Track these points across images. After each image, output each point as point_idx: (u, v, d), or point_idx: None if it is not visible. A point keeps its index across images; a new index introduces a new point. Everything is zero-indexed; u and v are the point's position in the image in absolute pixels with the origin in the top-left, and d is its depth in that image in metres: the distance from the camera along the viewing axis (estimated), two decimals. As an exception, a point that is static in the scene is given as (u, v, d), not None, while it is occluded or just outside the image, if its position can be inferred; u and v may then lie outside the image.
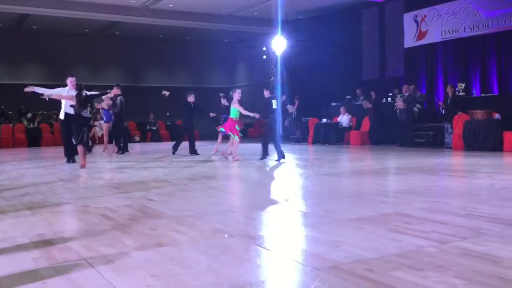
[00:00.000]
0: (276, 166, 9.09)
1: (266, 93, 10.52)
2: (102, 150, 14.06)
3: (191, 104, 12.12)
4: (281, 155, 9.88)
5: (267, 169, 8.70)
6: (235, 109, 10.17)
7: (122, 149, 13.19)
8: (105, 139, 14.18)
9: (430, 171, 7.93)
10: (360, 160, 10.69)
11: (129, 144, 14.13)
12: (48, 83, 19.31)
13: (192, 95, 12.18)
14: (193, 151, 12.06)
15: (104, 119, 14.11)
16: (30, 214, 4.73)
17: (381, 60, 17.06)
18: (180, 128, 13.97)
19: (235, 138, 10.15)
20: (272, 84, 12.37)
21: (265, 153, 10.14)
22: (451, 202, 4.95)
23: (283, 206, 5.16)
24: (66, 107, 9.75)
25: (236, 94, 10.30)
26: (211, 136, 22.40)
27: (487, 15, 13.76)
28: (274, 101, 10.20)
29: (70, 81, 9.78)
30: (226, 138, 11.25)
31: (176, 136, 13.57)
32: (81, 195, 5.89)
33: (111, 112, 13.49)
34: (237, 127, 10.23)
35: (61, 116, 10.00)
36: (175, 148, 12.33)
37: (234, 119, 10.21)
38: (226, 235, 3.63)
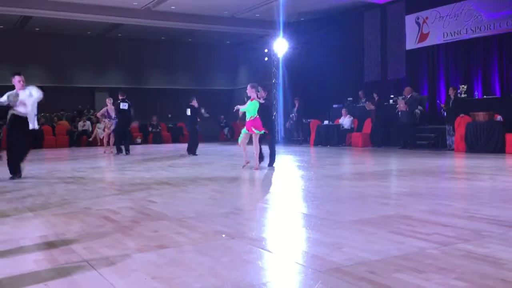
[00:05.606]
0: (277, 168, 9.08)
1: (194, 103, 12.56)
2: (103, 152, 14.15)
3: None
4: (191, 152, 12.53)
5: (268, 171, 8.69)
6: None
7: (126, 151, 13.56)
8: (111, 141, 14.41)
9: (432, 173, 7.92)
10: (361, 162, 10.68)
11: (123, 147, 14.30)
12: (50, 85, 19.51)
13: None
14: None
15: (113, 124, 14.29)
16: (32, 216, 4.74)
17: (383, 62, 17.06)
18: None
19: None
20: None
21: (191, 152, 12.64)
22: (453, 204, 4.94)
23: (285, 208, 5.15)
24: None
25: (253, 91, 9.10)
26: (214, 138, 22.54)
27: (489, 17, 13.75)
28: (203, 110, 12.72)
29: (17, 80, 7.80)
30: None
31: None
32: (83, 197, 5.89)
33: (113, 116, 14.01)
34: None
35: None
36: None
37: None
38: (223, 235, 3.64)
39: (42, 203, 5.47)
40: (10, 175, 7.86)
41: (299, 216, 4.67)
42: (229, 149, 15.84)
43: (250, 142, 8.99)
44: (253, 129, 8.64)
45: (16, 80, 7.77)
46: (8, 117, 7.86)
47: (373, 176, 7.76)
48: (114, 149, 14.05)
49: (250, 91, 8.85)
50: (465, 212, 4.45)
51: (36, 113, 7.92)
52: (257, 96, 8.89)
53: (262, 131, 8.76)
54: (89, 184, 7.19)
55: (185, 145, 13.62)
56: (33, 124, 7.84)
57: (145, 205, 5.24)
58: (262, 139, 8.91)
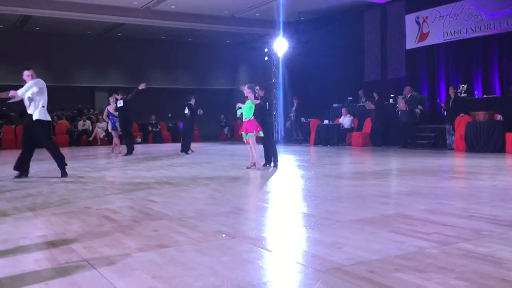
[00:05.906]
0: (277, 168, 9.08)
1: (193, 102, 13.23)
2: (111, 152, 14.17)
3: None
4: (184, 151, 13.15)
5: (269, 171, 8.69)
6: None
7: (129, 150, 13.57)
8: (117, 141, 14.44)
9: (432, 173, 7.92)
10: (361, 162, 10.68)
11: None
12: (50, 85, 19.46)
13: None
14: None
15: (111, 126, 14.37)
16: (32, 215, 4.74)
17: (383, 62, 17.06)
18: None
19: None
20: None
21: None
22: (453, 204, 4.95)
23: (285, 207, 5.16)
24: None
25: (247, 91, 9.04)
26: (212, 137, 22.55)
27: (489, 16, 13.75)
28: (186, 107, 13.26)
29: (26, 74, 7.85)
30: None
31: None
32: (83, 196, 5.90)
33: (116, 114, 14.03)
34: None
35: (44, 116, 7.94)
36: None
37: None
38: (223, 235, 3.67)
39: (42, 203, 5.47)
40: (16, 173, 7.96)
41: (299, 215, 4.67)
42: (229, 148, 15.85)
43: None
44: (247, 130, 8.70)
45: (25, 75, 7.88)
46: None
47: (373, 175, 7.77)
48: (124, 148, 14.02)
49: (247, 91, 8.88)
50: (465, 212, 4.45)
51: (43, 104, 7.79)
52: (254, 97, 8.87)
53: (260, 133, 8.73)
54: (89, 184, 7.19)
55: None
56: (37, 115, 7.73)
57: (145, 204, 5.24)
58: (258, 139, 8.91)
